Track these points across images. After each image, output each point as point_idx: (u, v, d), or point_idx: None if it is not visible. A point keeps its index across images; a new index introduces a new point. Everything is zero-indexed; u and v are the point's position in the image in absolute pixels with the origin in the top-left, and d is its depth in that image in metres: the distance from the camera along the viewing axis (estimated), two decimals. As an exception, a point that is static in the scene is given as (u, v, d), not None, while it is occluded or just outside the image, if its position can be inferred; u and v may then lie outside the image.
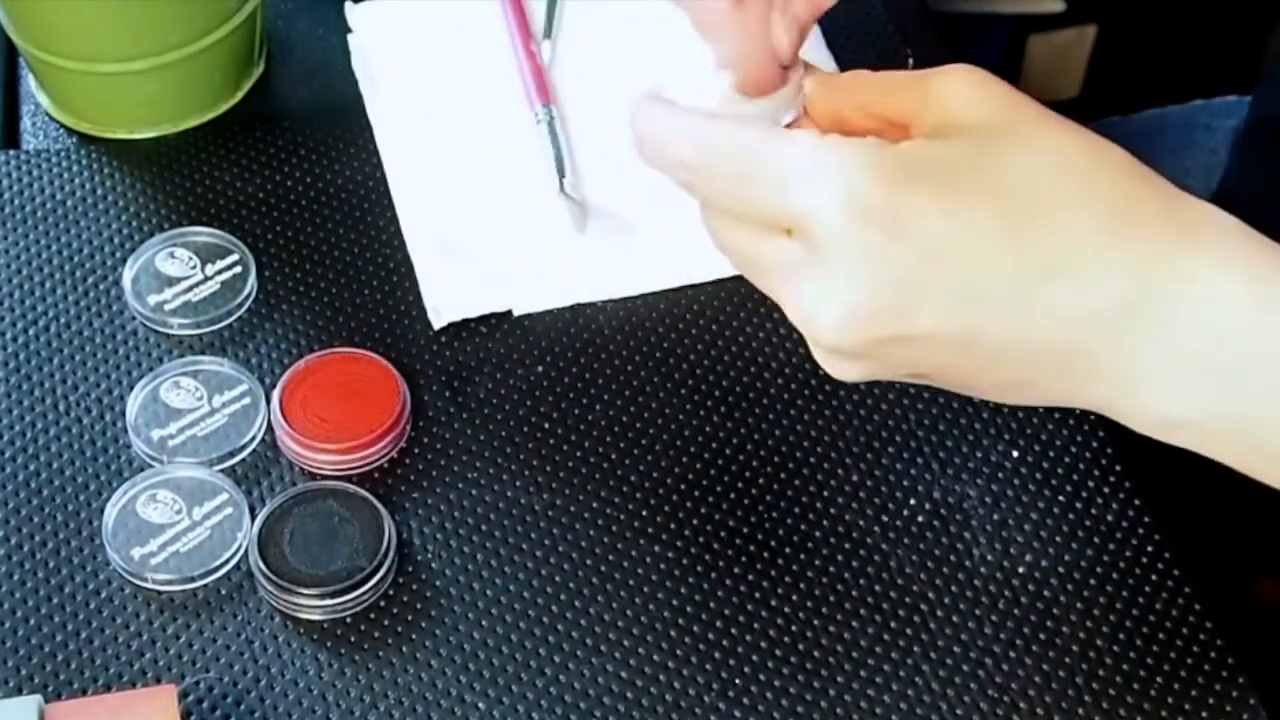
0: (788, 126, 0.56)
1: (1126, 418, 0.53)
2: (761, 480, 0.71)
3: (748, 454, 0.72)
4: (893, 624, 0.67)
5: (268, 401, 0.72)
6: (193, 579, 0.67)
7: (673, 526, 0.69)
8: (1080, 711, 0.64)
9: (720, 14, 0.58)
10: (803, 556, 0.68)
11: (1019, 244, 0.50)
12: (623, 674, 0.65)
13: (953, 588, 0.68)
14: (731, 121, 0.54)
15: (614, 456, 0.71)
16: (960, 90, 0.53)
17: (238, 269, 0.77)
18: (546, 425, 0.72)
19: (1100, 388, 0.52)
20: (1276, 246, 0.52)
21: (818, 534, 0.69)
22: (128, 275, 0.76)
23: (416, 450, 0.71)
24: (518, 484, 0.70)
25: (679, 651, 0.66)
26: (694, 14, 0.59)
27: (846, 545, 0.69)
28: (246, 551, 0.67)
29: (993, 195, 0.51)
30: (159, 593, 0.67)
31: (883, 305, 0.50)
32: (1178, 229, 0.51)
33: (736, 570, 0.68)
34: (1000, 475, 0.71)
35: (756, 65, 0.57)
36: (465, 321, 0.76)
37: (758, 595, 0.67)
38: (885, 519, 0.70)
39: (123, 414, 0.72)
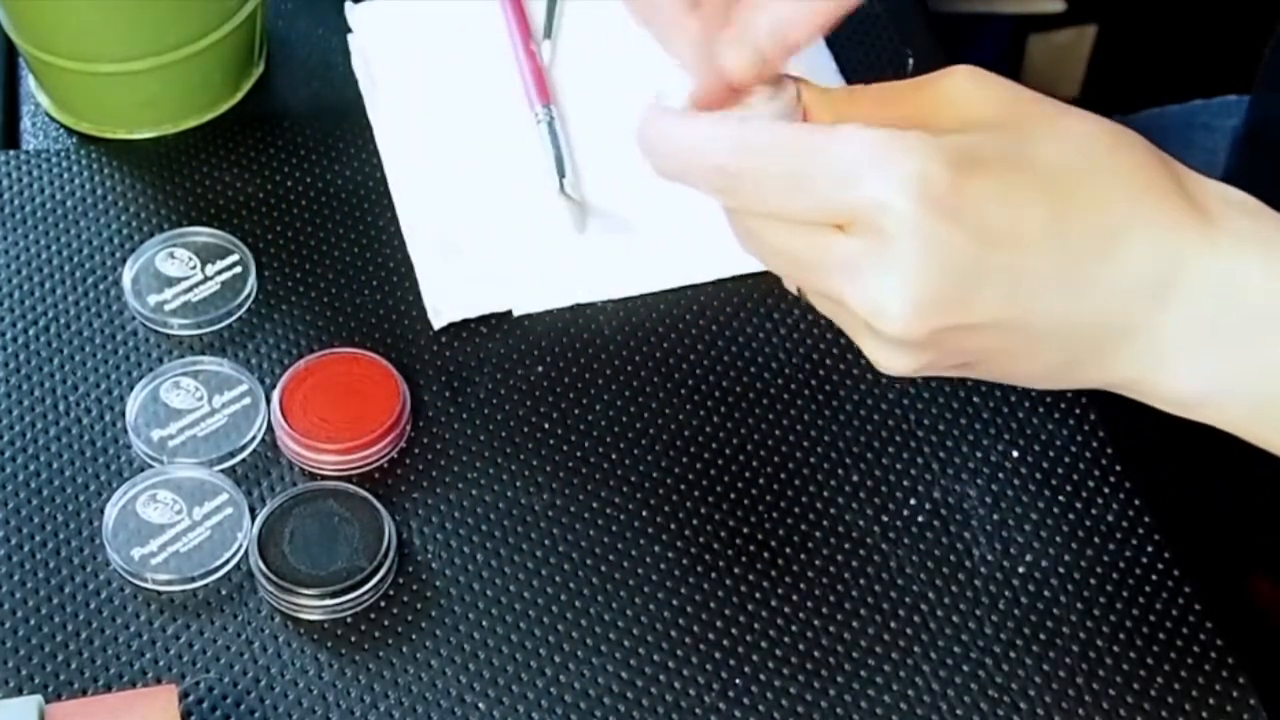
0: None
1: (1151, 394, 0.54)
2: (761, 480, 0.71)
3: (748, 454, 0.72)
4: (893, 624, 0.67)
5: (268, 401, 0.72)
6: (193, 579, 0.67)
7: (673, 526, 0.69)
8: (1080, 711, 0.64)
9: (672, 17, 0.57)
10: (803, 556, 0.68)
11: (1065, 226, 0.51)
12: (623, 674, 0.65)
13: (953, 588, 0.68)
14: (767, 122, 0.53)
15: (614, 456, 0.71)
16: (969, 88, 0.53)
17: (238, 269, 0.77)
18: (546, 425, 0.72)
19: (1131, 364, 0.53)
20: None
21: (818, 534, 0.69)
22: (128, 275, 0.76)
23: (416, 450, 0.71)
24: (518, 484, 0.70)
25: (679, 651, 0.66)
26: (644, 14, 0.58)
27: (846, 545, 0.69)
28: (246, 551, 0.67)
29: (1036, 180, 0.51)
30: (159, 593, 0.67)
31: (949, 292, 0.50)
32: (1196, 209, 0.53)
33: (736, 570, 0.68)
34: (1000, 475, 0.71)
35: (703, 79, 0.56)
36: (465, 321, 0.76)
37: (758, 595, 0.67)
38: (885, 519, 0.70)
39: (123, 414, 0.72)
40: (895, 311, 0.51)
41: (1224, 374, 0.52)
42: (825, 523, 0.69)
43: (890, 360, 0.53)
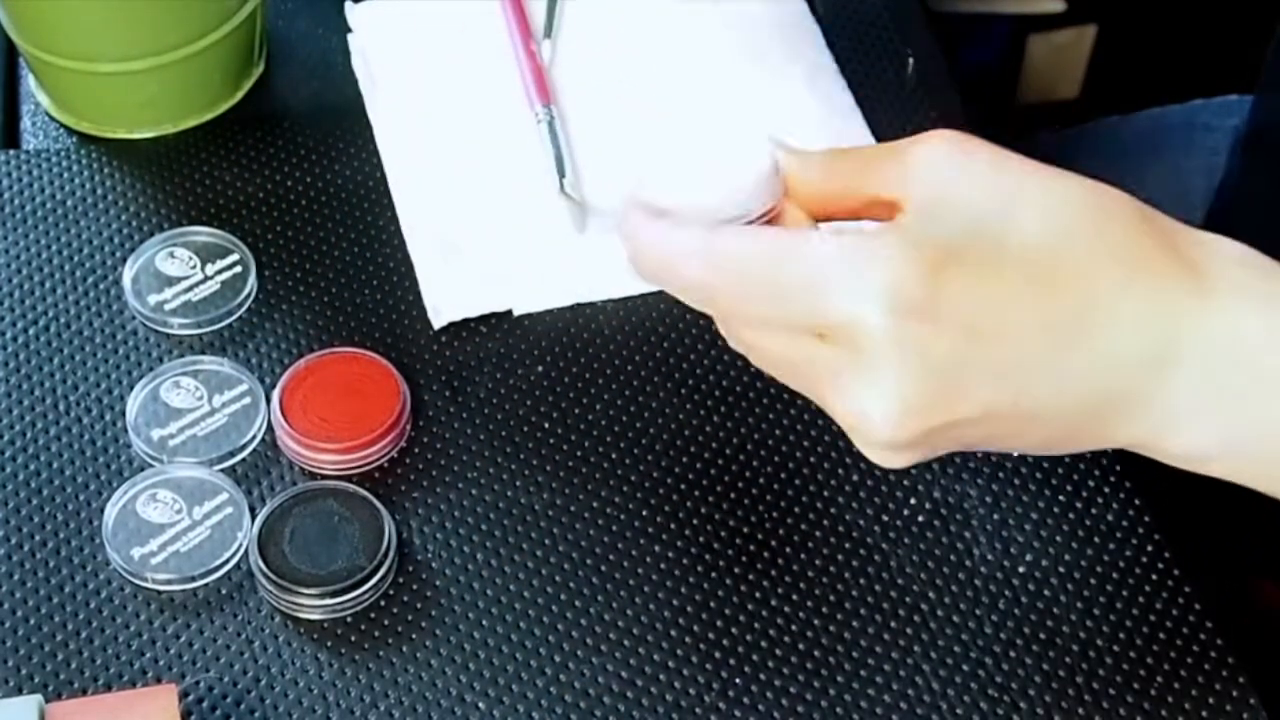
0: (772, 211, 0.55)
1: (1161, 454, 0.54)
2: (761, 480, 0.71)
3: (748, 454, 0.72)
4: (893, 624, 0.67)
5: (268, 401, 0.72)
6: (193, 579, 0.67)
7: (673, 526, 0.69)
8: (1080, 711, 0.64)
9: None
10: (803, 556, 0.68)
11: (1047, 308, 0.50)
12: (623, 674, 0.65)
13: (953, 588, 0.68)
14: (735, 231, 0.52)
15: (614, 456, 0.71)
16: (943, 160, 0.52)
17: (238, 269, 0.77)
18: (546, 425, 0.72)
19: (1135, 428, 0.53)
20: (1268, 262, 0.52)
21: (818, 534, 0.69)
22: (128, 275, 0.76)
23: (416, 450, 0.71)
24: (518, 484, 0.70)
25: (679, 651, 0.66)
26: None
27: (846, 545, 0.69)
28: (246, 551, 0.67)
29: (1014, 264, 0.50)
30: (159, 593, 0.67)
31: (935, 395, 0.50)
32: (1188, 268, 0.52)
33: (736, 570, 0.68)
34: (1000, 475, 0.71)
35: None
36: (465, 321, 0.76)
37: (758, 595, 0.67)
38: (885, 519, 0.70)
39: (123, 414, 0.72)
40: (879, 419, 0.51)
41: (1233, 431, 0.52)
42: (825, 523, 0.69)
43: (883, 460, 0.53)
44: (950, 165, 0.52)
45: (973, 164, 0.52)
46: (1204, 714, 0.64)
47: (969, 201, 0.51)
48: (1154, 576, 0.68)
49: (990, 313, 0.50)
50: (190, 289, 0.76)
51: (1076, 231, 0.51)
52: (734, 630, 0.66)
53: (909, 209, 0.52)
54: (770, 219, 0.54)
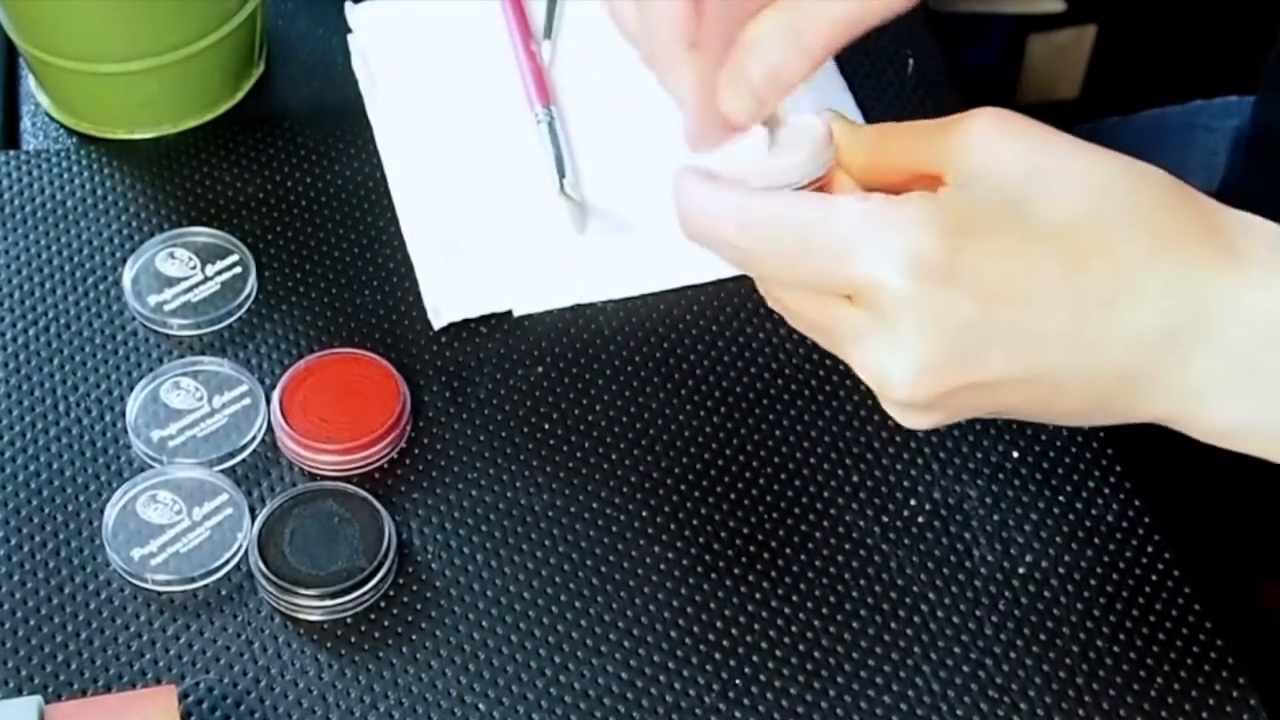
0: (822, 180, 0.56)
1: (1191, 429, 0.54)
2: (761, 480, 0.71)
3: (748, 454, 0.72)
4: (893, 624, 0.66)
5: (268, 402, 0.72)
6: (193, 579, 0.67)
7: (673, 526, 0.69)
8: (1080, 711, 0.64)
9: (671, 56, 0.57)
10: (803, 556, 0.68)
11: (1074, 278, 0.51)
12: (623, 674, 0.65)
13: (953, 588, 0.68)
14: (770, 195, 0.54)
15: (614, 456, 0.71)
16: (990, 136, 0.53)
17: (238, 269, 0.77)
18: (546, 425, 0.72)
19: (1164, 403, 0.53)
20: None
21: (818, 534, 0.69)
22: (128, 275, 0.76)
23: (416, 450, 0.71)
24: (518, 484, 0.70)
25: (679, 651, 0.66)
26: (644, 50, 0.59)
27: (846, 545, 0.69)
28: (246, 552, 0.67)
29: (1044, 233, 0.51)
30: (159, 593, 0.67)
31: (952, 358, 0.51)
32: (1222, 243, 0.52)
33: (736, 570, 0.68)
34: (1000, 475, 0.71)
35: (697, 118, 0.57)
36: (465, 321, 0.76)
37: (758, 595, 0.67)
38: (885, 519, 0.70)
39: (123, 414, 0.72)
40: (898, 379, 0.52)
41: (1265, 407, 0.52)
42: (825, 523, 0.69)
43: (905, 419, 0.54)
44: (996, 140, 0.53)
45: (1018, 140, 0.53)
46: (1204, 714, 0.64)
47: (1007, 172, 0.52)
48: (1154, 576, 0.68)
49: (1012, 279, 0.51)
50: (190, 289, 0.76)
51: (1108, 203, 0.52)
52: (734, 630, 0.66)
53: (951, 182, 0.53)
54: (821, 187, 0.56)
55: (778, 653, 0.66)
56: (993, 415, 0.55)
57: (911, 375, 0.51)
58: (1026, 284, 0.51)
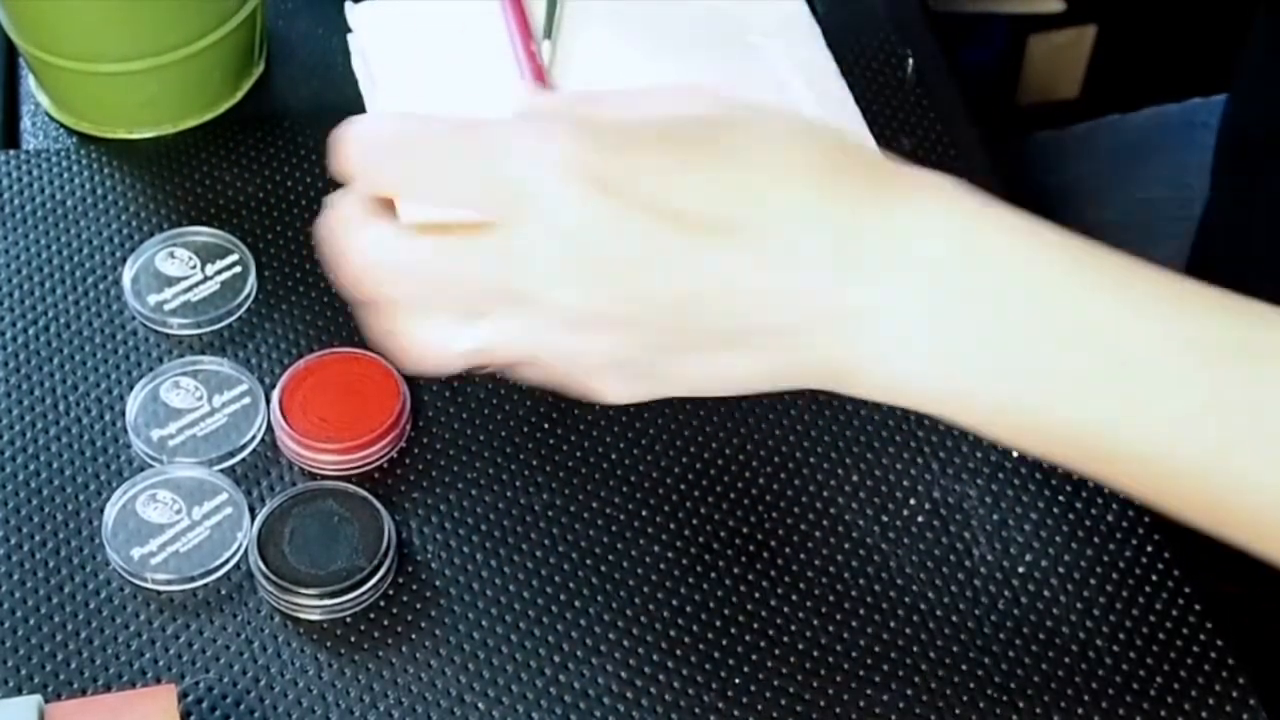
0: None
1: (857, 376, 0.53)
2: (761, 480, 0.71)
3: (748, 454, 0.72)
4: (893, 624, 0.67)
5: (267, 401, 0.72)
6: (193, 579, 0.67)
7: (673, 526, 0.69)
8: (1080, 711, 0.64)
9: None
10: (803, 556, 0.68)
11: (731, 195, 0.52)
12: (623, 674, 0.65)
13: (953, 588, 0.68)
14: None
15: (614, 456, 0.71)
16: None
17: (238, 269, 0.77)
18: (546, 425, 0.72)
19: (822, 343, 0.53)
20: (982, 195, 0.53)
21: (818, 534, 0.69)
22: (128, 275, 0.76)
23: (416, 450, 0.71)
24: (518, 484, 0.70)
25: (679, 651, 0.66)
26: None
27: (846, 545, 0.69)
28: (246, 551, 0.67)
29: (707, 158, 0.52)
30: (159, 593, 0.67)
31: (603, 263, 0.52)
32: (883, 180, 0.53)
33: (736, 570, 0.68)
34: (1000, 475, 0.71)
35: None
36: (465, 321, 0.76)
37: (758, 595, 0.67)
38: (885, 519, 0.70)
39: (123, 414, 0.72)
40: (540, 271, 0.52)
41: (931, 345, 0.52)
42: (825, 523, 0.69)
43: (559, 344, 0.54)
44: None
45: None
46: (1204, 714, 0.64)
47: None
48: (1154, 576, 0.68)
49: (670, 192, 0.52)
50: (190, 289, 0.76)
51: (773, 143, 0.53)
52: (734, 630, 0.66)
53: None
54: None
55: (777, 652, 0.66)
56: (674, 387, 0.55)
57: (556, 272, 0.52)
58: (683, 199, 0.51)
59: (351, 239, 0.55)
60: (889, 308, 0.51)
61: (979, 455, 0.71)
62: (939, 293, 0.51)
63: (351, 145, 0.55)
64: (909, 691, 0.65)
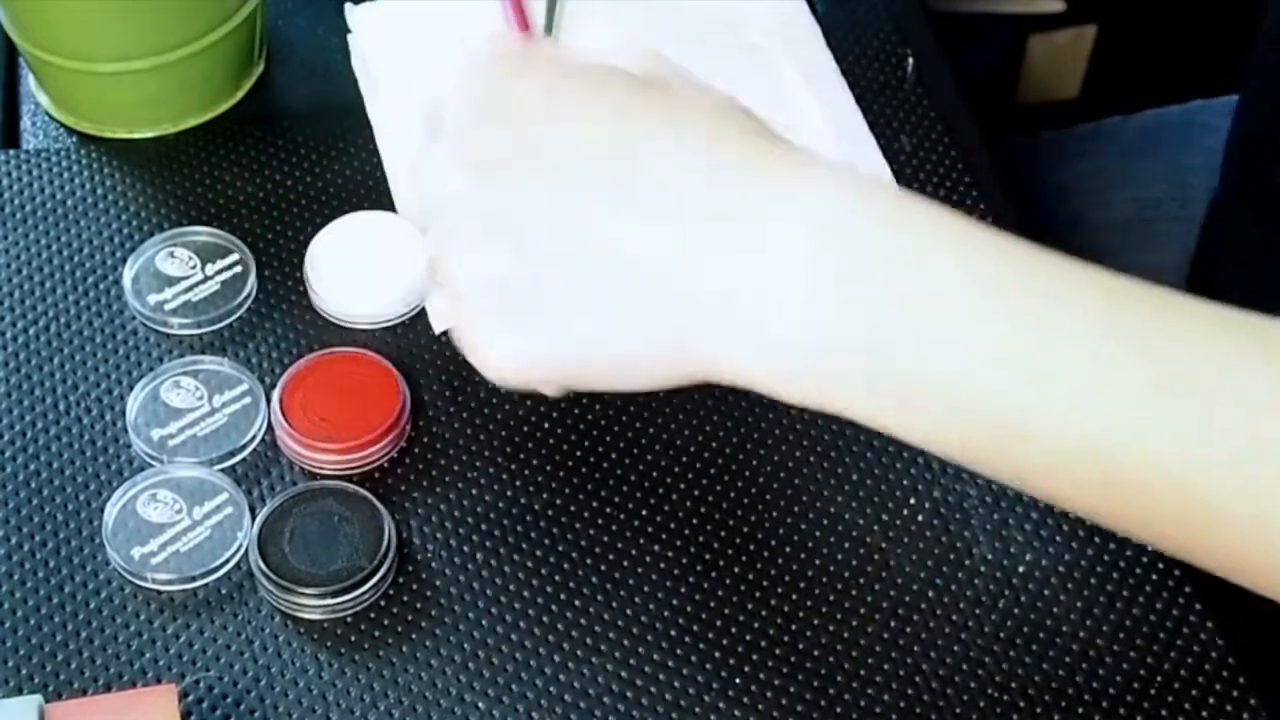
0: None
1: (740, 357, 0.54)
2: (761, 480, 0.71)
3: (748, 454, 0.72)
4: (893, 624, 0.67)
5: (268, 401, 0.72)
6: (193, 579, 0.67)
7: (673, 526, 0.69)
8: (1080, 711, 0.64)
9: None
10: (803, 556, 0.68)
11: (593, 149, 0.55)
12: (623, 674, 0.65)
13: (953, 588, 0.68)
14: None
15: (614, 456, 0.71)
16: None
17: (238, 269, 0.77)
18: (546, 425, 0.72)
19: (699, 321, 0.54)
20: (875, 183, 0.53)
21: (818, 534, 0.69)
22: (128, 275, 0.76)
23: (416, 450, 0.71)
24: (518, 484, 0.70)
25: (679, 651, 0.66)
26: None
27: (846, 545, 0.69)
28: (246, 551, 0.67)
29: (606, 108, 0.55)
30: (159, 593, 0.67)
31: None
32: (782, 151, 0.53)
33: (736, 570, 0.68)
34: (1000, 475, 0.71)
35: None
36: (465, 321, 0.76)
37: (758, 595, 0.67)
38: (885, 519, 0.70)
39: (123, 414, 0.72)
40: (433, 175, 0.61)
41: (819, 313, 0.51)
42: (825, 523, 0.69)
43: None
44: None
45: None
46: (1204, 714, 0.64)
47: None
48: (1154, 576, 0.68)
49: (554, 137, 0.56)
50: (190, 289, 0.76)
51: (661, 110, 0.55)
52: (734, 630, 0.66)
53: None
54: None
55: (778, 652, 0.66)
56: (548, 356, 0.58)
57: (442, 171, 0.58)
58: (570, 148, 0.54)
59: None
60: (780, 274, 0.51)
61: (979, 455, 0.71)
62: (797, 272, 0.51)
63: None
64: (909, 691, 0.65)
